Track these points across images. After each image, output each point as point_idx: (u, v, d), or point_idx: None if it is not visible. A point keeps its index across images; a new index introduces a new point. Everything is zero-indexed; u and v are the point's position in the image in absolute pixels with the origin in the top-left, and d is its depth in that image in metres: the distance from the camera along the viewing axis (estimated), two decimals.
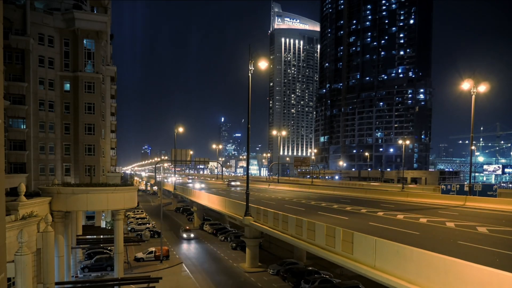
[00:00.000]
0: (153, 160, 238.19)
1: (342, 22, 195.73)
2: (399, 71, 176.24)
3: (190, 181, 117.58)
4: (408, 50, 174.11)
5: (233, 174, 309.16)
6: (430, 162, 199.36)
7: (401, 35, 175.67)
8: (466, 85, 41.28)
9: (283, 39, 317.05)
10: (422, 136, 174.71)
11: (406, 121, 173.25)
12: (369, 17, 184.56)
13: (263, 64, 33.79)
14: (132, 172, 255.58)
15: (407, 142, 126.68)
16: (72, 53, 45.68)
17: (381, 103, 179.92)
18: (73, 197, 27.95)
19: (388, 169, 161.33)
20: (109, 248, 41.43)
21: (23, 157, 41.90)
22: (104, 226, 53.49)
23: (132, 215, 73.71)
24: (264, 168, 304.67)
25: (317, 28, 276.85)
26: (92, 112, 46.33)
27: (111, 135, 59.33)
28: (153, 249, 44.67)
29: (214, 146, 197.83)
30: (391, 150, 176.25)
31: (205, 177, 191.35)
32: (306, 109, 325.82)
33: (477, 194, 44.21)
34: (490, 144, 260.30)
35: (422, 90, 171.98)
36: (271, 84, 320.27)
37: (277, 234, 29.18)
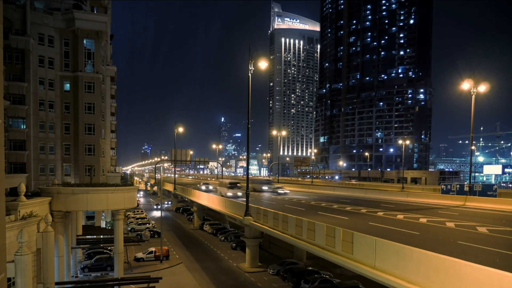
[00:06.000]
0: (153, 160, 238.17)
1: (342, 22, 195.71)
2: (399, 71, 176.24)
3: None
4: (408, 50, 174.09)
5: (233, 174, 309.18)
6: (430, 162, 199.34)
7: (401, 35, 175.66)
8: (466, 85, 41.28)
9: (283, 39, 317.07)
10: (422, 136, 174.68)
11: (406, 121, 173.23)
12: (369, 17, 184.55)
13: (263, 64, 33.75)
14: (133, 172, 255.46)
15: (407, 142, 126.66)
16: (72, 53, 45.68)
17: (381, 103, 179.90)
18: (73, 197, 27.95)
19: (388, 169, 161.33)
20: (109, 248, 41.43)
21: (23, 157, 41.90)
22: (104, 226, 53.49)
23: (132, 215, 73.72)
24: (264, 168, 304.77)
25: (317, 28, 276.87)
26: (92, 112, 46.33)
27: (111, 135, 59.34)
28: (153, 249, 44.68)
29: (214, 146, 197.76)
30: (391, 150, 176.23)
31: (205, 177, 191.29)
32: (306, 109, 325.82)
33: (477, 194, 44.16)
34: (490, 144, 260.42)
35: (422, 90, 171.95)
36: (271, 84, 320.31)
37: (277, 234, 29.17)
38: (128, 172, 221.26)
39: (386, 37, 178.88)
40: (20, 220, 20.95)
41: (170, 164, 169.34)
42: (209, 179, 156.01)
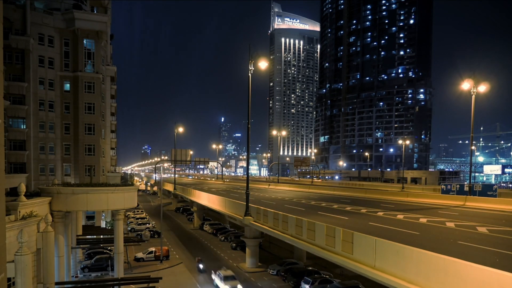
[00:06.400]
0: (153, 160, 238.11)
1: (342, 22, 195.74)
2: (399, 71, 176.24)
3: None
4: (408, 50, 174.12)
5: (233, 174, 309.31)
6: (430, 162, 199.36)
7: (401, 35, 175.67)
8: (466, 85, 41.26)
9: (283, 39, 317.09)
10: (422, 136, 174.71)
11: (406, 121, 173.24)
12: (369, 17, 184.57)
13: (263, 64, 33.76)
14: (132, 172, 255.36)
15: (407, 142, 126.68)
16: (72, 53, 45.68)
17: (381, 103, 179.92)
18: (73, 197, 27.96)
19: (388, 169, 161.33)
20: (109, 248, 41.44)
21: (23, 157, 41.90)
22: (104, 226, 53.50)
23: (132, 215, 73.73)
24: (264, 168, 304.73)
25: (317, 28, 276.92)
26: (92, 112, 46.33)
27: (111, 135, 59.33)
28: (153, 249, 44.68)
29: (214, 146, 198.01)
30: (391, 150, 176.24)
31: (205, 177, 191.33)
32: (306, 109, 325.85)
33: (477, 194, 44.18)
34: (490, 144, 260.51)
35: (422, 90, 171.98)
36: (271, 84, 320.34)
37: (277, 234, 29.18)
38: (128, 172, 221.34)
39: (386, 37, 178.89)
40: (20, 220, 20.95)
41: (170, 164, 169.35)
42: (208, 179, 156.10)
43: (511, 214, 33.07)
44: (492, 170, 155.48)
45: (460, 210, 36.64)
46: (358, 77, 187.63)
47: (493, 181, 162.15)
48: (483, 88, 40.68)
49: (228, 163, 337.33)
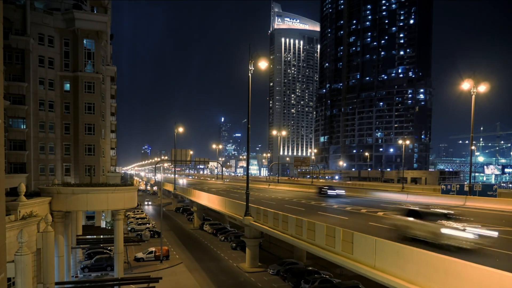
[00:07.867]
0: (153, 160, 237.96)
1: (342, 22, 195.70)
2: (399, 71, 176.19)
3: None
4: (408, 50, 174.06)
5: (233, 174, 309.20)
6: (430, 162, 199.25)
7: (401, 35, 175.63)
8: (466, 85, 41.23)
9: (283, 39, 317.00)
10: (422, 136, 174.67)
11: (406, 121, 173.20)
12: (369, 17, 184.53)
13: (263, 64, 33.74)
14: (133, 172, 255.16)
15: (407, 142, 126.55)
16: (72, 53, 45.70)
17: (381, 103, 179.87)
18: (73, 197, 27.97)
19: (388, 169, 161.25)
20: (109, 248, 41.45)
21: (23, 157, 41.90)
22: (104, 226, 53.51)
23: (132, 215, 73.73)
24: (264, 168, 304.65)
25: (317, 28, 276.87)
26: (92, 112, 46.35)
27: (111, 135, 59.34)
28: (153, 249, 44.70)
29: (214, 146, 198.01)
30: (391, 150, 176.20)
31: (205, 177, 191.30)
32: (306, 109, 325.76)
33: (477, 194, 44.18)
34: (490, 144, 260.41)
35: (422, 90, 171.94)
36: (271, 84, 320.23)
37: (277, 234, 29.17)
38: (128, 172, 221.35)
39: (386, 37, 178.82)
40: (20, 220, 20.96)
41: (170, 164, 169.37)
42: (208, 179, 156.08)
43: (511, 214, 33.07)
44: (488, 172, 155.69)
45: (460, 210, 36.56)
46: (358, 77, 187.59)
47: (493, 181, 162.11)
48: (483, 88, 40.63)
49: (228, 163, 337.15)
